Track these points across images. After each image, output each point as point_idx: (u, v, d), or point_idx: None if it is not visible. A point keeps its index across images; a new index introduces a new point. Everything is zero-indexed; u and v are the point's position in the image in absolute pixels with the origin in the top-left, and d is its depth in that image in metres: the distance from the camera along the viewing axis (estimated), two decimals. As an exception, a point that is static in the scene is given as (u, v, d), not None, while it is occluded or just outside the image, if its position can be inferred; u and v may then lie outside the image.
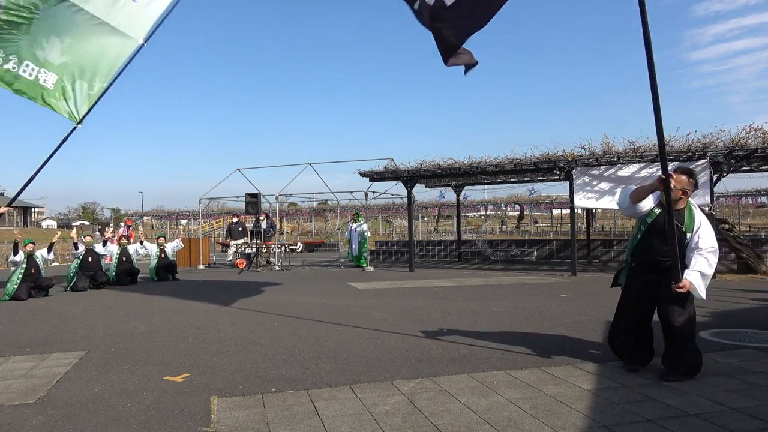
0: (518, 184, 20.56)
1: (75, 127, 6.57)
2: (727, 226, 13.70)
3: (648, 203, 4.48)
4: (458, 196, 19.82)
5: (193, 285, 12.26)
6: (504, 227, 44.64)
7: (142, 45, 6.72)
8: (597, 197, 12.64)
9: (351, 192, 18.34)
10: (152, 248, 13.66)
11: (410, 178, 15.09)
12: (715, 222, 12.51)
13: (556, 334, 6.10)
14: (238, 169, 18.30)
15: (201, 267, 17.57)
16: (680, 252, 4.27)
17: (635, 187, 4.59)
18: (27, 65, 6.49)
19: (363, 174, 15.45)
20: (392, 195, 20.89)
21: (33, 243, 10.91)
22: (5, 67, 6.35)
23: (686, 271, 4.25)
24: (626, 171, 12.31)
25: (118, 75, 6.81)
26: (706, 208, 12.19)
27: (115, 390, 4.43)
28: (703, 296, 4.24)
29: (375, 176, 15.37)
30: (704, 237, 4.28)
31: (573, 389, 4.15)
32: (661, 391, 4.06)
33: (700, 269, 4.22)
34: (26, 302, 9.81)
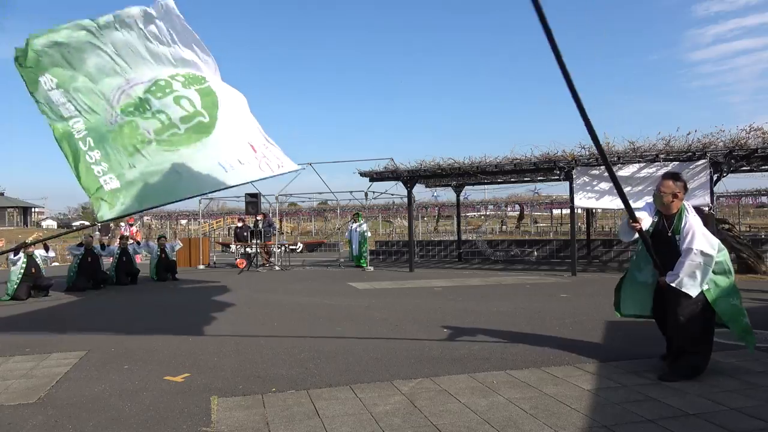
0: (518, 184, 20.52)
1: None
2: (727, 226, 13.69)
3: (647, 222, 4.56)
4: (458, 196, 19.81)
5: (192, 285, 12.26)
6: (504, 227, 44.63)
7: None
8: (597, 197, 12.64)
9: (351, 192, 18.34)
10: (153, 246, 13.72)
11: (410, 178, 15.08)
12: (715, 222, 12.51)
13: (556, 334, 6.10)
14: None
15: (201, 267, 17.56)
16: (674, 255, 4.38)
17: (626, 222, 4.72)
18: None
19: (363, 174, 15.45)
20: (392, 195, 20.86)
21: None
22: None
23: (669, 272, 4.36)
24: (626, 171, 12.31)
25: None
26: (706, 209, 12.20)
27: (115, 390, 4.43)
28: (693, 294, 4.27)
29: (375, 176, 15.36)
30: (688, 238, 4.31)
31: (573, 389, 4.15)
32: (661, 391, 4.06)
33: (679, 271, 4.28)
34: (26, 302, 9.81)
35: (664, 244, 4.48)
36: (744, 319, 4.47)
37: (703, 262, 4.25)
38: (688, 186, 4.69)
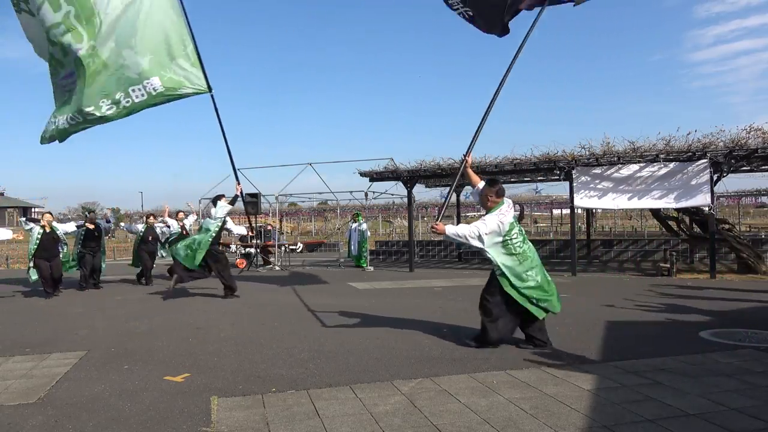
0: (518, 184, 20.49)
1: (211, 95, 7.68)
2: (727, 226, 13.69)
3: (509, 218, 5.56)
4: (458, 196, 19.80)
5: (192, 285, 12.25)
6: (504, 227, 44.54)
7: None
8: (597, 197, 12.64)
9: (351, 192, 18.34)
10: (173, 224, 13.52)
11: (410, 178, 15.09)
12: (715, 222, 12.51)
13: (556, 335, 6.09)
14: (239, 169, 18.30)
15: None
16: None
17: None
18: (133, 90, 7.46)
19: (363, 174, 15.45)
20: (392, 195, 20.88)
21: (50, 214, 11.10)
22: (123, 104, 7.46)
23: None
24: (626, 171, 12.31)
25: (191, 30, 7.71)
26: (707, 209, 12.21)
27: (115, 390, 4.43)
28: (448, 232, 5.47)
29: (375, 176, 15.36)
30: (480, 221, 5.54)
31: (573, 389, 4.15)
32: (661, 391, 4.06)
33: (458, 229, 5.56)
34: (26, 302, 9.79)
35: None
36: (542, 301, 5.45)
37: (468, 235, 5.46)
38: (504, 191, 5.76)
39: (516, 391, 4.15)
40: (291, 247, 21.26)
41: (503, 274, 5.44)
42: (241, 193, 9.93)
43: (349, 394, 4.19)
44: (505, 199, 5.66)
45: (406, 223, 25.60)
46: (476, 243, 5.46)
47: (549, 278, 5.62)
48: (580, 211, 15.48)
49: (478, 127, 6.11)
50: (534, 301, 5.43)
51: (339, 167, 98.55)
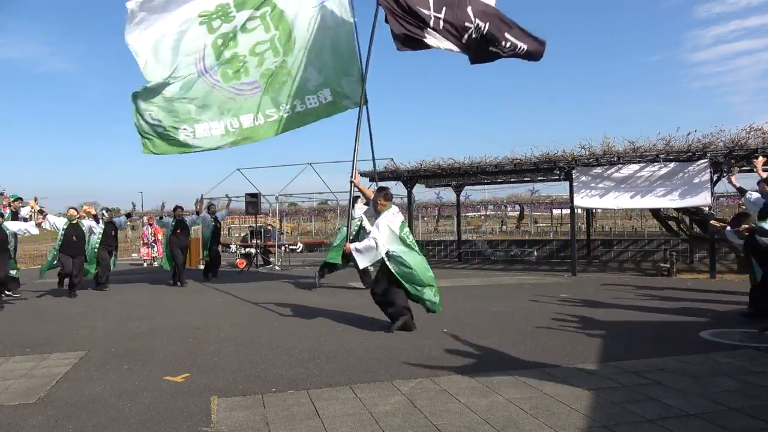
0: (518, 184, 20.51)
1: (366, 108, 8.37)
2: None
3: (398, 221, 6.57)
4: (458, 196, 19.80)
5: (192, 285, 12.26)
6: (504, 227, 44.57)
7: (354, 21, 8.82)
8: (597, 197, 12.63)
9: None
10: (207, 217, 13.41)
11: (410, 178, 15.09)
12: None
13: (556, 334, 6.10)
14: (238, 169, 18.30)
15: (201, 267, 17.54)
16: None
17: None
18: (308, 98, 9.01)
19: (363, 174, 15.41)
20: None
21: (75, 209, 10.67)
22: (297, 110, 9.04)
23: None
24: (626, 171, 12.30)
25: (359, 49, 8.82)
26: (706, 209, 12.21)
27: (115, 390, 4.43)
28: (360, 264, 6.63)
29: (375, 176, 15.34)
30: (373, 228, 6.52)
31: (573, 389, 4.15)
32: (661, 391, 4.06)
33: (358, 245, 6.56)
34: (26, 302, 9.77)
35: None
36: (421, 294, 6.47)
37: (369, 247, 6.40)
38: (390, 196, 6.78)
39: (516, 391, 4.15)
40: (291, 247, 21.26)
41: (391, 258, 6.44)
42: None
43: (349, 394, 4.19)
44: (391, 204, 6.71)
45: (406, 223, 25.54)
46: (380, 250, 6.38)
47: (431, 273, 6.59)
48: (580, 211, 15.46)
49: (354, 151, 7.59)
50: (415, 287, 6.46)
51: (339, 167, 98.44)
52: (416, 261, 6.43)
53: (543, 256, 17.47)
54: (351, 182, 7.41)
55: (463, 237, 21.32)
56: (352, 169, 7.44)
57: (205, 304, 9.23)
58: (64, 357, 5.56)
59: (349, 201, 8.46)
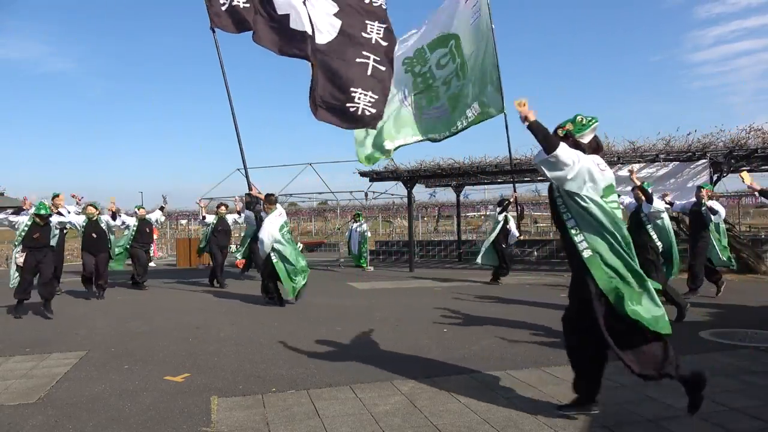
0: (518, 184, 20.48)
1: (504, 114, 10.00)
2: (726, 226, 13.67)
3: (281, 220, 8.76)
4: (458, 196, 19.80)
5: (192, 285, 12.26)
6: (504, 227, 44.47)
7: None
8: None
9: (351, 192, 18.37)
10: (251, 215, 12.42)
11: (410, 178, 15.08)
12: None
13: (557, 334, 6.09)
14: (238, 170, 18.28)
15: (201, 267, 17.56)
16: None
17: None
18: (469, 110, 10.26)
19: (363, 174, 15.44)
20: (392, 195, 20.87)
21: (93, 206, 9.95)
22: (462, 125, 10.42)
23: None
24: (626, 171, 12.29)
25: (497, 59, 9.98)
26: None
27: (115, 390, 4.43)
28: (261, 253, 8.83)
29: (375, 176, 15.36)
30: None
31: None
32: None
33: (260, 245, 8.76)
34: (26, 302, 9.73)
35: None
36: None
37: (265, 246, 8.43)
38: (274, 200, 8.71)
39: (516, 391, 4.15)
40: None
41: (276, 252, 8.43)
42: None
43: (349, 394, 4.19)
44: (277, 206, 8.61)
45: (406, 223, 25.58)
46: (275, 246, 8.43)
47: (306, 269, 8.61)
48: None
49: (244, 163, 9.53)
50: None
51: (339, 167, 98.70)
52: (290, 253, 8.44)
53: (543, 256, 17.47)
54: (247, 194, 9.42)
55: (463, 237, 21.31)
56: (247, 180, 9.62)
57: (205, 304, 9.23)
58: (64, 357, 5.56)
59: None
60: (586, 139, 3.48)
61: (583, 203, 3.31)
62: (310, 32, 8.57)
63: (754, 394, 3.96)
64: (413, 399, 4.02)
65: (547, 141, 3.29)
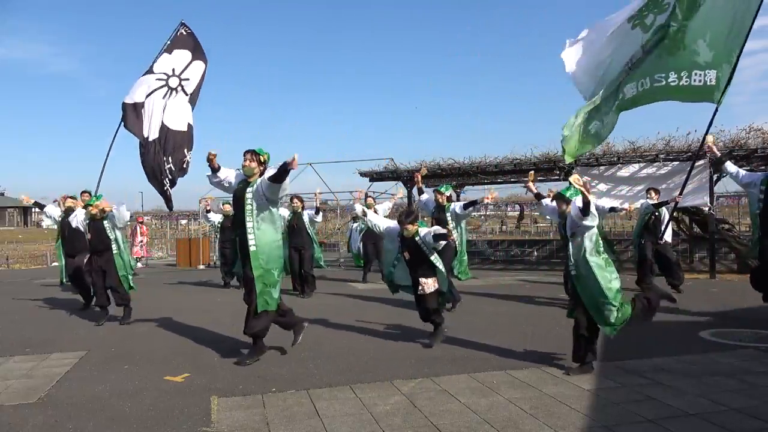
0: (518, 184, 20.48)
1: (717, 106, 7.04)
2: (727, 226, 13.69)
3: None
4: (458, 196, 19.79)
5: (192, 285, 12.26)
6: (504, 227, 44.54)
7: None
8: (597, 197, 12.63)
9: (351, 192, 18.32)
10: (284, 213, 11.31)
11: (410, 178, 15.07)
12: (715, 222, 12.51)
13: (556, 334, 6.09)
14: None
15: (201, 267, 17.57)
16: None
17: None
18: (696, 74, 7.17)
19: (363, 174, 15.45)
20: (392, 195, 20.86)
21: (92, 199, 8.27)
22: (681, 83, 7.19)
23: None
24: (626, 171, 12.32)
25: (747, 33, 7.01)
26: (706, 209, 12.21)
27: (115, 390, 4.43)
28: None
29: (375, 176, 15.36)
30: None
31: (573, 389, 4.15)
32: (661, 391, 4.06)
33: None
34: (26, 302, 9.74)
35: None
36: None
37: None
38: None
39: (516, 391, 4.16)
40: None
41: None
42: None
43: (349, 394, 4.19)
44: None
45: (406, 223, 25.49)
46: None
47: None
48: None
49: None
50: None
51: (339, 167, 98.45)
52: None
53: (543, 256, 17.46)
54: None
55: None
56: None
57: (206, 303, 9.22)
58: (64, 357, 5.56)
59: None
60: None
61: None
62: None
63: (754, 394, 3.96)
64: (413, 399, 4.02)
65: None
